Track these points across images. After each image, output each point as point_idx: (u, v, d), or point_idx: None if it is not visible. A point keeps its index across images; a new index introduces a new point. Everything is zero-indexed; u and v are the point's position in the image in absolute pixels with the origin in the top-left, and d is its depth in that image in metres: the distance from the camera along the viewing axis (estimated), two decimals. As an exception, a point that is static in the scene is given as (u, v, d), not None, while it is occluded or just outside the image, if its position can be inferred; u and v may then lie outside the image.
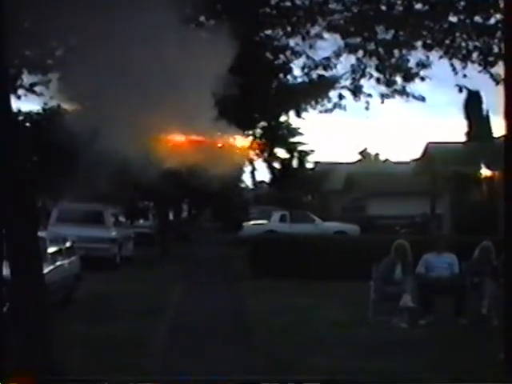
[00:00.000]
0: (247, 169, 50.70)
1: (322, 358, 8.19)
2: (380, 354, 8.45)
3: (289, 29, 8.62)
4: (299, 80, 10.06)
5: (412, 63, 8.91)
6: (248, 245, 19.16)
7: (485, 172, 23.44)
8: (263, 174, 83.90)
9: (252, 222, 31.81)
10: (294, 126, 45.45)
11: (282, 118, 25.05)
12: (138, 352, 8.47)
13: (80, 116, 8.27)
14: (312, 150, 51.23)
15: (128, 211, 24.60)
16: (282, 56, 9.52)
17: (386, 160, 60.79)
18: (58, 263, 11.97)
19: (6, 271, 6.55)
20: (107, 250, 18.96)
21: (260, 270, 17.00)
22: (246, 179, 56.01)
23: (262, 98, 10.54)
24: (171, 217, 34.43)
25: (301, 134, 49.09)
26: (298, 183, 46.65)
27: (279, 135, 40.06)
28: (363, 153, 67.58)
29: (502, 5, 6.93)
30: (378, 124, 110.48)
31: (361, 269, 13.38)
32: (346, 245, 17.66)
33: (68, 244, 13.38)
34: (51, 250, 12.00)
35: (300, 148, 50.31)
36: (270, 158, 47.64)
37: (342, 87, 9.62)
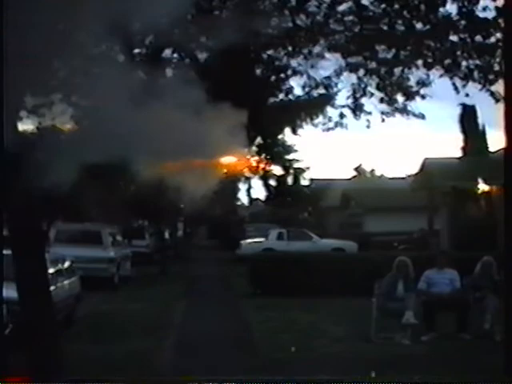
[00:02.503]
0: (242, 186, 51.08)
1: (325, 374, 8.24)
2: (383, 371, 8.50)
3: (290, 49, 8.78)
4: (300, 99, 10.23)
5: (412, 82, 9.07)
6: (246, 263, 19.23)
7: (482, 187, 23.59)
8: (259, 192, 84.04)
9: (249, 240, 31.83)
10: (289, 143, 45.73)
11: (278, 136, 25.17)
12: (143, 372, 8.52)
13: (77, 135, 8.32)
14: (307, 167, 51.43)
15: (125, 230, 24.65)
16: (283, 75, 9.68)
17: (382, 176, 61.04)
18: (59, 284, 12.00)
19: (9, 293, 6.65)
20: (106, 269, 19.00)
21: (260, 288, 17.12)
22: (242, 197, 56.32)
23: (260, 116, 10.69)
24: (167, 235, 34.49)
25: (296, 151, 49.31)
26: (293, 200, 46.77)
27: (275, 152, 40.26)
28: (358, 169, 67.79)
29: (502, 24, 7.10)
30: (372, 140, 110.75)
31: (360, 286, 13.62)
32: (345, 262, 17.73)
33: (67, 264, 13.42)
34: (51, 270, 12.04)
35: (295, 165, 50.49)
36: (265, 176, 47.80)
37: (343, 106, 9.78)
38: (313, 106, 10.12)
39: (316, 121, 10.82)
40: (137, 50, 7.63)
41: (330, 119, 10.17)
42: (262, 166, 37.61)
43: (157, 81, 7.00)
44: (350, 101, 9.60)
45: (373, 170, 67.35)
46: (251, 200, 57.51)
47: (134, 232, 28.89)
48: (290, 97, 10.20)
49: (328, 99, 9.78)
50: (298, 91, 10.02)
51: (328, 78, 9.34)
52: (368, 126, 9.91)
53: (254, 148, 22.30)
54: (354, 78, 9.20)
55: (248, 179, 47.27)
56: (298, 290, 16.07)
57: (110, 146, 7.60)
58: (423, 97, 9.18)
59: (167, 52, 9.26)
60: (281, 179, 49.74)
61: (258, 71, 9.75)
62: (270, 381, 7.24)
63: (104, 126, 7.20)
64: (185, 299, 16.89)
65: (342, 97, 9.66)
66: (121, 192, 21.68)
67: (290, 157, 49.11)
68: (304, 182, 51.96)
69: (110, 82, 6.53)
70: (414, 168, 43.28)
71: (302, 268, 17.00)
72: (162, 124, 7.01)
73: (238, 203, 55.18)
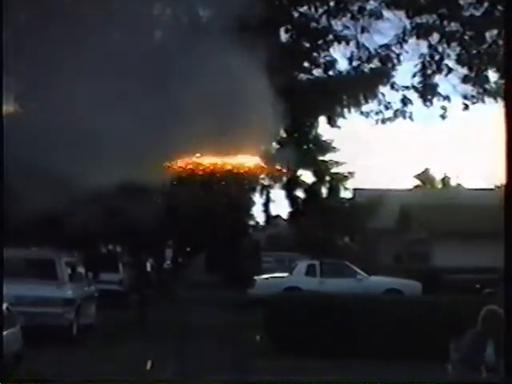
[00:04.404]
0: (258, 199, 51.08)
1: None
2: None
3: (332, 4, 8.70)
4: (343, 76, 10.18)
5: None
6: (262, 308, 19.54)
7: None
8: (281, 207, 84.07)
9: (267, 276, 32.27)
10: (325, 138, 45.77)
11: (310, 128, 25.13)
12: None
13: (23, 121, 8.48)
14: (350, 173, 51.41)
15: (89, 259, 24.67)
16: (320, 42, 9.61)
17: (459, 186, 60.92)
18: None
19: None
20: (60, 315, 18.90)
21: (281, 344, 17.28)
22: (257, 213, 56.32)
23: (286, 99, 10.61)
24: (149, 267, 34.58)
25: (334, 149, 49.30)
26: (330, 219, 46.72)
27: (304, 151, 40.29)
28: (424, 175, 67.74)
29: None
30: (444, 132, 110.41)
31: (427, 345, 14.02)
32: (403, 309, 17.84)
33: (3, 308, 13.40)
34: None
35: (333, 169, 50.46)
36: (290, 184, 47.82)
37: (407, 87, 9.68)
38: (362, 87, 10.02)
39: (366, 107, 10.72)
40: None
41: (387, 106, 10.08)
42: (285, 169, 37.72)
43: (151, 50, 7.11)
44: (416, 79, 9.49)
45: (445, 178, 67.28)
46: (269, 218, 57.56)
47: (103, 262, 28.94)
48: (330, 73, 10.12)
49: (385, 77, 9.68)
50: (341, 65, 9.94)
51: (386, 46, 9.24)
52: (443, 116, 9.78)
53: (275, 144, 22.21)
54: (423, 46, 9.07)
55: (266, 188, 47.31)
56: (336, 349, 16.29)
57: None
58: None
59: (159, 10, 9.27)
60: (312, 189, 49.75)
61: (285, 36, 9.68)
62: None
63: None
64: (176, 359, 17.02)
65: (406, 74, 9.55)
66: (84, 202, 21.74)
67: (325, 158, 49.17)
68: (345, 194, 52.00)
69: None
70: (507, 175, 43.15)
71: (342, 317, 17.22)
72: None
73: (251, 222, 55.27)
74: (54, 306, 18.84)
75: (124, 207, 21.49)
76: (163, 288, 34.11)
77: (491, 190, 40.78)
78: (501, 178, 62.57)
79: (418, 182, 66.49)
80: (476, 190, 48.96)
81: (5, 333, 12.80)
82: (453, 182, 65.63)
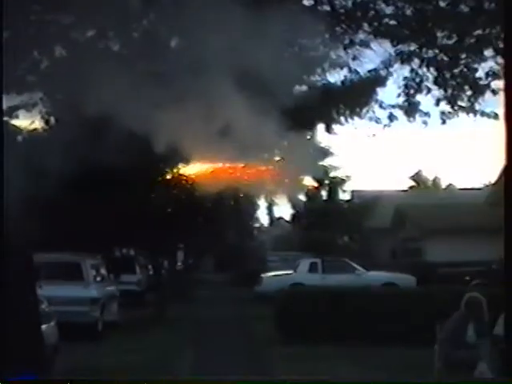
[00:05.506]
0: (262, 202, 51.33)
1: None
2: None
3: (327, 36, 9.28)
4: (338, 95, 10.72)
5: (481, 73, 9.54)
6: (270, 303, 20.22)
7: None
8: (283, 209, 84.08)
9: (272, 273, 32.71)
10: (323, 144, 46.15)
11: (309, 134, 25.68)
12: None
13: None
14: (348, 176, 51.79)
15: (109, 262, 25.02)
16: (317, 69, 10.12)
17: (450, 186, 61.12)
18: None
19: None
20: (86, 313, 19.38)
21: (289, 334, 17.93)
22: (262, 216, 56.64)
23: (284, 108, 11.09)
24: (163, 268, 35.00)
25: (332, 154, 49.68)
26: (330, 220, 47.12)
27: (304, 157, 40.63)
28: (417, 177, 67.86)
29: None
30: (436, 138, 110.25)
31: (418, 330, 14.78)
32: (398, 300, 18.48)
33: (43, 307, 14.01)
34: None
35: (332, 173, 50.82)
36: (292, 188, 48.22)
37: (393, 106, 10.23)
38: (354, 105, 10.53)
39: (358, 123, 11.24)
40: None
41: (377, 121, 10.64)
42: (286, 174, 38.17)
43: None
44: (401, 99, 10.05)
45: (436, 179, 67.33)
46: (273, 220, 57.85)
47: (122, 264, 29.44)
48: (325, 95, 10.57)
49: (374, 97, 10.23)
50: (335, 88, 10.41)
51: (374, 70, 9.83)
52: (423, 127, 10.31)
53: (276, 151, 22.74)
54: (406, 70, 9.65)
55: (269, 192, 47.65)
56: (339, 336, 16.98)
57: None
58: (494, 92, 9.65)
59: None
60: (312, 192, 50.10)
61: (293, 65, 10.17)
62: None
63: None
64: (193, 350, 17.40)
65: (392, 94, 10.11)
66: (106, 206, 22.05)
67: (324, 162, 49.62)
68: (343, 196, 52.36)
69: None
70: (492, 175, 43.76)
71: (344, 308, 17.94)
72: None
73: (256, 224, 55.50)
74: (80, 305, 19.12)
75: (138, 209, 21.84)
76: (176, 287, 34.40)
77: (479, 189, 41.26)
78: (486, 178, 61.87)
79: (411, 183, 66.58)
80: (465, 189, 48.77)
81: (43, 327, 13.45)
82: (443, 182, 65.55)
